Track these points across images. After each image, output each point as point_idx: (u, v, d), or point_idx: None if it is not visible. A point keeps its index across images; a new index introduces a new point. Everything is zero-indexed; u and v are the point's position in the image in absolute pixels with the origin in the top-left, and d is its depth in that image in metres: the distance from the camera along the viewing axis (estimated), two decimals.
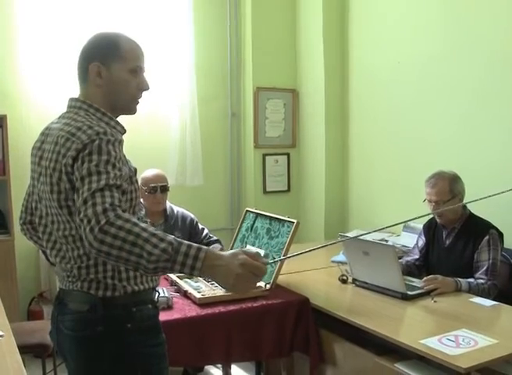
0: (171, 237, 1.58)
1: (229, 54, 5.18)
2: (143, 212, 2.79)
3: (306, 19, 5.09)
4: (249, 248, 3.15)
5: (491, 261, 3.09)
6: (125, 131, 1.95)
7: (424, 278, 3.11)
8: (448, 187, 3.19)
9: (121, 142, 1.80)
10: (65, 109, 1.98)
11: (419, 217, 2.41)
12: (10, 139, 4.03)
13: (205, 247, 1.59)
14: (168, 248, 1.54)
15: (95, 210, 1.55)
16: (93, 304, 1.80)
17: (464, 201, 3.19)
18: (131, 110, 1.96)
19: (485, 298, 2.96)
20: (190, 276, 1.63)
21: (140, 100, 1.98)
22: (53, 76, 4.33)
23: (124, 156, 1.82)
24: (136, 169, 1.90)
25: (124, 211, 1.67)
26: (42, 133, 1.98)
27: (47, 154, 1.83)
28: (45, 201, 1.84)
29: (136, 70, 1.92)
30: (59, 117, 1.96)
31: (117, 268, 1.80)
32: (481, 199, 2.37)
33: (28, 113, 4.27)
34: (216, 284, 2.99)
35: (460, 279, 3.06)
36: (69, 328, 1.85)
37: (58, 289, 1.98)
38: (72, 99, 1.94)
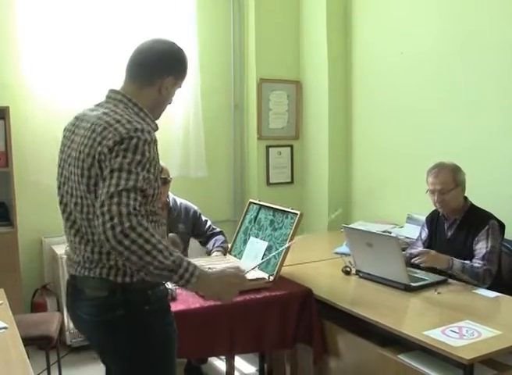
0: (177, 253, 1.78)
1: (232, 46, 5.17)
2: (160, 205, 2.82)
3: (309, 10, 5.07)
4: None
5: (489, 248, 3.08)
6: (157, 129, 2.05)
7: (418, 250, 3.13)
8: (451, 176, 3.21)
9: (156, 142, 1.90)
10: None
11: None
12: (13, 131, 4.03)
13: (199, 266, 1.83)
14: (176, 261, 1.74)
15: (120, 209, 1.69)
16: (112, 289, 1.90)
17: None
18: (158, 117, 2.10)
19: (478, 282, 2.99)
20: (182, 287, 1.81)
21: None
22: (55, 68, 4.32)
23: (157, 155, 1.93)
24: (162, 168, 2.03)
25: (144, 218, 1.77)
26: (76, 118, 2.05)
27: (81, 139, 1.91)
28: (72, 183, 1.93)
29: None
30: (97, 105, 2.04)
31: None
32: None
33: (30, 105, 4.28)
34: None
35: (454, 258, 3.06)
36: (88, 313, 1.95)
37: (68, 276, 2.07)
38: (112, 91, 2.03)
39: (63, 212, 2.01)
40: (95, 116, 1.93)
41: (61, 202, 2.03)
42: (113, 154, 1.77)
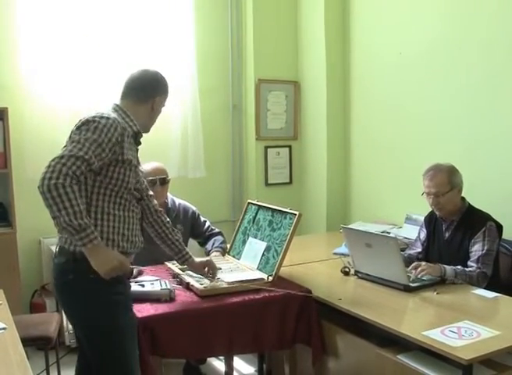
0: (87, 221, 2.13)
1: (230, 46, 5.17)
2: (155, 201, 2.84)
3: (307, 10, 5.07)
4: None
5: (484, 251, 3.08)
6: (138, 134, 2.49)
7: (410, 267, 3.11)
8: (447, 178, 3.19)
9: (120, 131, 2.30)
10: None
11: None
12: (11, 132, 4.02)
13: (100, 239, 2.19)
14: (82, 225, 2.10)
15: (61, 168, 2.11)
16: (67, 257, 2.31)
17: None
18: (147, 130, 2.60)
19: (473, 285, 2.98)
20: (79, 246, 2.19)
21: None
22: (54, 68, 4.32)
23: (120, 142, 2.31)
24: (131, 161, 2.38)
25: (77, 183, 2.17)
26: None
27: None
28: None
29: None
30: None
31: None
32: None
33: (29, 106, 4.27)
34: (218, 277, 3.02)
35: (445, 265, 3.06)
36: (53, 277, 2.43)
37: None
38: (114, 104, 2.49)
39: None
40: None
41: None
42: (78, 131, 2.24)
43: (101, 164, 2.25)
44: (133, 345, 2.38)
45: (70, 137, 2.28)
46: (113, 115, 2.35)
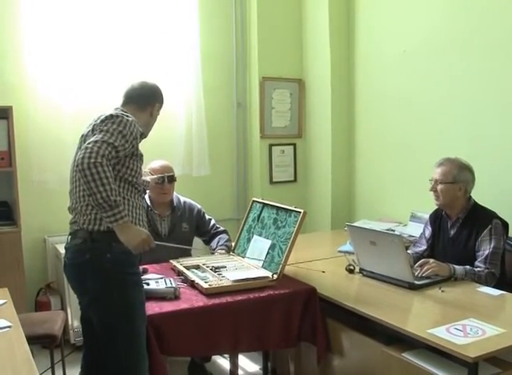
0: (120, 198, 2.33)
1: (234, 44, 5.16)
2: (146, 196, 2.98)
3: (312, 8, 5.07)
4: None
5: (491, 250, 3.07)
6: (144, 136, 2.71)
7: (417, 263, 3.13)
8: (454, 170, 3.21)
9: (138, 129, 2.54)
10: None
11: None
12: (16, 130, 4.03)
13: (129, 221, 2.38)
14: (117, 201, 2.29)
15: (98, 150, 2.30)
16: (84, 237, 2.45)
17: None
18: (146, 136, 2.74)
19: (481, 285, 2.97)
20: (109, 223, 2.35)
21: None
22: (59, 67, 4.31)
23: (138, 135, 2.54)
24: (142, 155, 2.61)
25: (110, 166, 2.36)
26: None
27: (89, 124, 2.59)
28: (76, 154, 2.48)
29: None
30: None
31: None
32: None
33: (34, 105, 4.27)
34: (223, 275, 3.02)
35: (454, 265, 3.06)
36: (68, 257, 2.55)
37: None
38: (116, 108, 2.66)
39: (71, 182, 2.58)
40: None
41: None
42: (103, 123, 2.43)
43: (122, 154, 2.44)
44: (143, 322, 2.50)
45: (93, 129, 2.46)
46: (127, 113, 2.55)
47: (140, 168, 2.60)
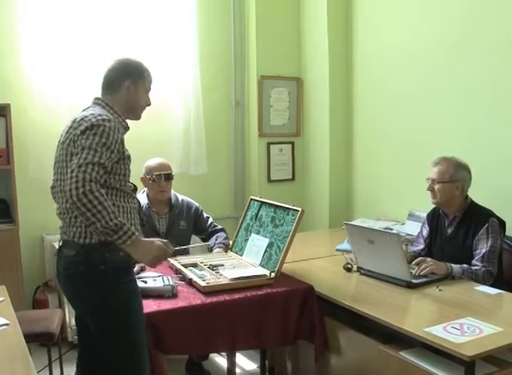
0: (121, 219, 2.22)
1: (233, 42, 5.16)
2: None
3: (310, 7, 5.06)
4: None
5: (488, 248, 3.08)
6: (128, 128, 2.56)
7: (414, 261, 3.14)
8: (450, 169, 3.22)
9: (119, 130, 2.38)
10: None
11: None
12: (14, 128, 4.03)
13: (137, 233, 2.28)
14: (118, 224, 2.18)
15: (84, 176, 2.16)
16: (77, 249, 2.36)
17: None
18: (136, 116, 2.62)
19: (479, 283, 2.97)
20: (119, 245, 2.26)
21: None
22: (57, 65, 4.32)
23: (122, 143, 2.40)
24: (129, 156, 2.46)
25: (102, 187, 2.24)
26: (70, 121, 2.47)
27: (67, 129, 2.43)
28: (58, 163, 2.42)
29: (148, 91, 2.62)
30: (82, 110, 2.51)
31: None
32: None
33: (31, 102, 4.27)
34: (221, 273, 3.02)
35: (451, 264, 3.07)
36: (62, 268, 2.45)
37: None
38: (95, 98, 2.55)
39: (56, 192, 2.46)
40: (80, 113, 2.44)
41: (52, 186, 2.50)
42: (84, 136, 2.27)
43: (110, 165, 2.32)
44: (142, 329, 2.46)
45: (73, 140, 2.31)
46: (107, 114, 2.39)
47: (129, 169, 2.47)
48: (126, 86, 2.51)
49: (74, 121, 2.38)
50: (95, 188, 2.16)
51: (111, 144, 2.28)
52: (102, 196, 2.17)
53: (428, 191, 3.28)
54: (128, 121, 2.56)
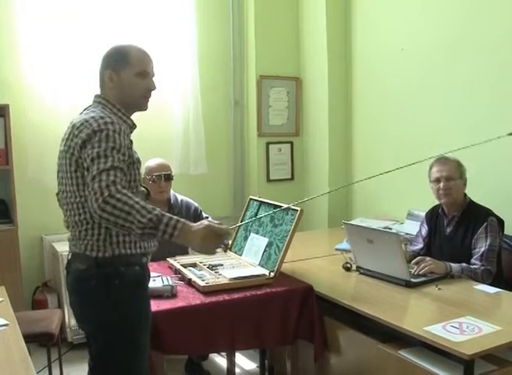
0: (157, 210, 1.98)
1: (231, 42, 5.16)
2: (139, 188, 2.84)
3: (309, 6, 5.07)
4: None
5: (487, 247, 3.08)
6: (135, 126, 2.36)
7: (413, 261, 3.14)
8: (457, 166, 3.25)
9: (125, 132, 2.18)
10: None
11: None
12: (13, 129, 4.03)
13: (182, 219, 2.01)
14: (154, 218, 1.95)
15: (100, 185, 1.96)
16: (89, 263, 2.18)
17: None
18: (141, 107, 2.37)
19: (478, 282, 2.98)
20: (170, 239, 2.00)
21: (150, 98, 2.38)
22: (56, 65, 4.32)
23: (131, 143, 2.22)
24: (138, 159, 2.28)
25: (124, 188, 2.03)
26: (70, 122, 2.29)
27: (66, 136, 2.23)
28: (62, 173, 2.25)
29: (143, 74, 2.31)
30: (84, 109, 2.34)
31: (108, 232, 2.16)
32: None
33: (31, 103, 4.28)
34: (220, 273, 3.02)
35: (451, 263, 3.07)
36: (71, 282, 2.27)
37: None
38: (96, 95, 2.35)
39: (63, 203, 2.29)
40: (79, 117, 2.25)
41: (57, 193, 2.34)
42: (90, 146, 2.07)
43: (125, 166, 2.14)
44: (148, 346, 2.34)
45: (77, 150, 2.12)
46: (109, 115, 2.19)
47: (139, 174, 2.29)
48: (108, 77, 2.29)
49: (74, 127, 2.18)
50: (114, 191, 1.95)
51: (120, 146, 2.09)
52: (125, 195, 1.96)
53: (441, 191, 3.24)
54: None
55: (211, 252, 2.14)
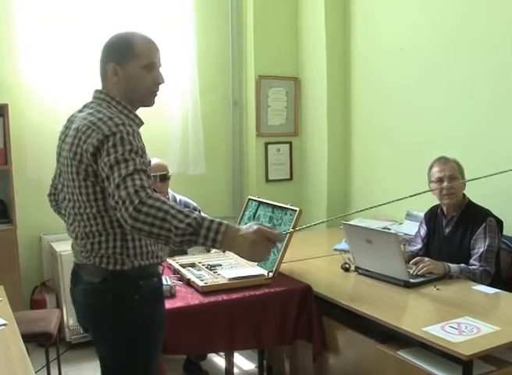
0: (196, 214, 1.76)
1: (230, 42, 5.16)
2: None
3: (308, 6, 5.07)
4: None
5: (485, 248, 3.08)
6: (142, 123, 2.13)
7: (412, 261, 3.14)
8: (457, 167, 3.25)
9: (138, 133, 1.98)
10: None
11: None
12: (12, 128, 4.03)
13: (225, 222, 1.79)
14: (193, 222, 1.72)
15: (128, 192, 1.75)
16: (104, 276, 1.99)
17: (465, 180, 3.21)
18: (148, 102, 2.14)
19: (477, 283, 2.98)
20: (213, 247, 1.82)
21: (158, 93, 2.15)
22: (54, 65, 4.32)
23: (144, 146, 1.98)
24: (150, 161, 2.09)
25: (154, 192, 1.83)
26: (68, 120, 2.14)
27: (70, 139, 1.99)
28: (65, 180, 2.04)
29: (150, 66, 2.10)
30: (84, 106, 2.11)
31: (125, 244, 1.99)
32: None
33: (29, 102, 4.27)
34: (219, 273, 3.02)
35: (449, 263, 3.07)
36: (83, 297, 2.06)
37: (73, 264, 2.17)
38: (97, 91, 2.11)
39: (64, 208, 2.12)
40: (81, 116, 2.02)
41: (61, 199, 2.15)
42: (104, 153, 1.85)
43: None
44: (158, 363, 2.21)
45: (87, 158, 1.90)
46: (118, 115, 1.97)
47: (151, 177, 2.04)
48: (111, 70, 2.06)
49: (78, 130, 1.95)
50: (145, 197, 1.75)
51: (137, 148, 1.89)
52: (158, 200, 1.75)
53: (444, 191, 3.23)
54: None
55: (263, 259, 1.92)
